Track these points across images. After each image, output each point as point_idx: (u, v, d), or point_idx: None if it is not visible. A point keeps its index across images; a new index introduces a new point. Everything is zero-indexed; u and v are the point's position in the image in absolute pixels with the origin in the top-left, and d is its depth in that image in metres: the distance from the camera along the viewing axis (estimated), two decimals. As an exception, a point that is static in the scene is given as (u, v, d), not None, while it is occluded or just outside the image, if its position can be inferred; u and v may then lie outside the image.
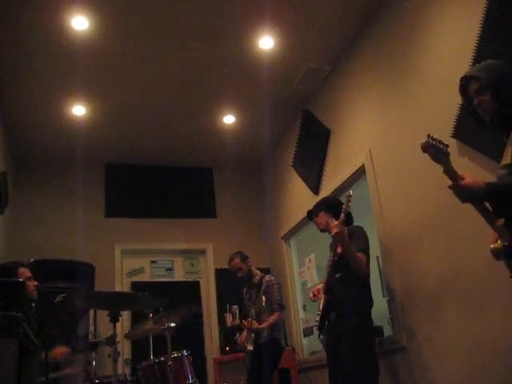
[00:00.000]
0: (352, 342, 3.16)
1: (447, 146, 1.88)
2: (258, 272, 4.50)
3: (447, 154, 1.88)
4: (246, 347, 4.14)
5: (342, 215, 3.24)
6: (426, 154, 1.91)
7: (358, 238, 3.38)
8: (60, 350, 3.30)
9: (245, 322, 4.23)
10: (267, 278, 4.38)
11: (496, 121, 2.01)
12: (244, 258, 4.45)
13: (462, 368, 2.99)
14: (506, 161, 1.94)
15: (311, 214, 3.76)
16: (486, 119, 2.04)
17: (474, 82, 2.03)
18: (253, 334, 4.13)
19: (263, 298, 4.08)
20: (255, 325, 4.11)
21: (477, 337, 2.88)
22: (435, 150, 1.87)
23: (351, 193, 3.27)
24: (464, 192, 1.88)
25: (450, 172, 1.89)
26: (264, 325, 4.14)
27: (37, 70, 4.35)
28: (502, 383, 2.69)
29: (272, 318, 4.16)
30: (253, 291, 4.40)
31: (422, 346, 3.35)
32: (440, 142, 1.87)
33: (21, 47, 4.05)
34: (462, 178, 1.87)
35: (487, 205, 1.94)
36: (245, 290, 4.58)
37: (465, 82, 2.09)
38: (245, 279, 4.48)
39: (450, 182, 1.90)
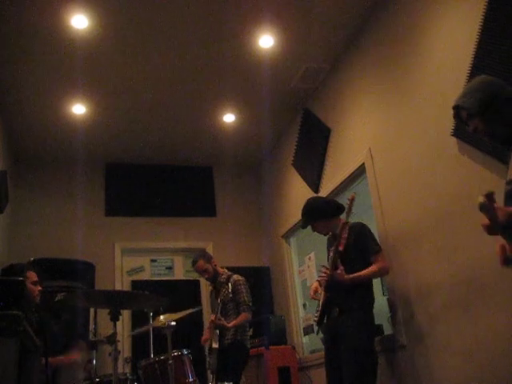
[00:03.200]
0: (355, 339, 3.16)
1: (493, 193, 1.65)
2: (225, 270, 4.35)
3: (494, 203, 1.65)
4: (210, 345, 3.92)
5: (346, 226, 3.21)
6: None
7: (373, 239, 3.40)
8: (75, 355, 3.23)
9: (212, 317, 4.02)
10: (235, 277, 4.20)
11: (495, 140, 2.03)
12: (209, 259, 4.30)
13: (462, 367, 2.99)
14: (511, 176, 1.90)
15: (305, 227, 3.67)
16: (485, 140, 2.06)
17: (463, 110, 2.05)
18: (217, 331, 3.94)
19: (229, 289, 4.00)
20: (222, 320, 3.93)
21: (478, 336, 2.88)
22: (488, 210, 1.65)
23: (354, 194, 3.23)
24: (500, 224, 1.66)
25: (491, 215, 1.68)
26: (230, 324, 3.97)
27: (36, 69, 4.34)
28: (503, 383, 2.69)
29: (239, 319, 4.02)
30: (219, 290, 4.18)
31: (421, 345, 3.35)
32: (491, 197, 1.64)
33: (21, 46, 4.04)
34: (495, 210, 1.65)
35: None
36: (210, 290, 4.41)
37: (456, 111, 2.11)
38: (211, 280, 4.33)
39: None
